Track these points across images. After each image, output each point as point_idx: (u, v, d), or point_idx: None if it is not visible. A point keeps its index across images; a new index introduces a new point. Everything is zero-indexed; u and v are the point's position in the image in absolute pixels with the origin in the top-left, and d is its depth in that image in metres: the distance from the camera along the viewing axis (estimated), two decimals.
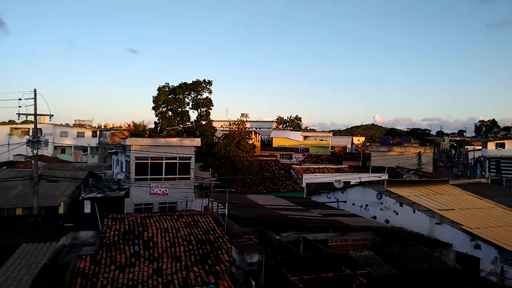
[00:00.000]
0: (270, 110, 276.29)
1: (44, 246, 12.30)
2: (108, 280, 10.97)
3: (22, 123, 72.87)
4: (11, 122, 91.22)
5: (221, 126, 56.60)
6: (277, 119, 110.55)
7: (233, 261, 11.27)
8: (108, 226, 15.39)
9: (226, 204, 17.41)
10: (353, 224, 16.43)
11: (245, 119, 38.66)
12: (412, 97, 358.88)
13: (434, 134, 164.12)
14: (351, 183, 28.41)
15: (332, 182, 29.96)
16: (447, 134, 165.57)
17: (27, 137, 31.48)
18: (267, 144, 79.08)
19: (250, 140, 38.52)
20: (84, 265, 11.67)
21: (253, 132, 53.66)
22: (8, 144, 48.35)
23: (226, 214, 17.29)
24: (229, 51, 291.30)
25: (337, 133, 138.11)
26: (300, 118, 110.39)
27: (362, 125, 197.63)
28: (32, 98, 24.23)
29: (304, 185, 34.63)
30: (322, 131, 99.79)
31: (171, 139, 31.28)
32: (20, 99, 24.01)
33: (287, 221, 16.37)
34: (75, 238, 14.78)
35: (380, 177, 32.21)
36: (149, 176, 28.80)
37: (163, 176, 29.16)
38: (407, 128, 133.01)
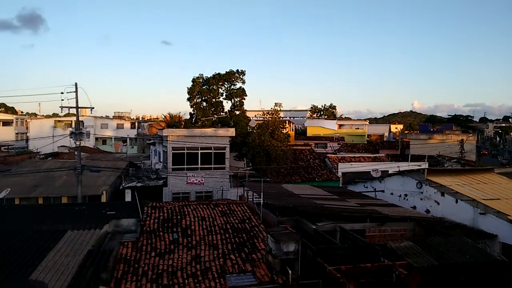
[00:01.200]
0: (303, 99, 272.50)
1: (88, 233, 12.87)
2: (149, 266, 11.32)
3: (65, 116, 76.38)
4: (55, 115, 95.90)
5: (255, 116, 56.51)
6: (311, 108, 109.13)
7: (269, 250, 11.31)
8: (148, 214, 15.86)
9: (261, 194, 17.47)
10: (392, 214, 16.03)
11: (278, 109, 38.43)
12: (453, 82, 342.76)
13: (477, 120, 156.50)
14: (389, 172, 27.71)
15: (369, 171, 29.32)
16: (491, 121, 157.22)
17: (70, 129, 32.88)
18: (301, 133, 78.47)
19: (284, 130, 38.34)
20: (126, 252, 12.11)
21: (287, 122, 53.37)
22: (53, 136, 50.78)
23: (262, 203, 17.36)
24: (261, 41, 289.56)
25: (373, 121, 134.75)
26: (335, 106, 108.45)
27: (400, 112, 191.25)
28: (73, 92, 25.21)
29: (339, 174, 34.17)
30: (357, 119, 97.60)
31: (206, 129, 31.72)
32: (62, 93, 25.06)
33: (323, 210, 16.22)
34: (117, 226, 15.35)
35: (419, 166, 31.17)
36: (185, 166, 29.42)
37: (199, 165, 29.70)
38: (448, 115, 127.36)
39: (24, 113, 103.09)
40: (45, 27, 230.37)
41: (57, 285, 9.04)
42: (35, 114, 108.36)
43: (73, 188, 25.09)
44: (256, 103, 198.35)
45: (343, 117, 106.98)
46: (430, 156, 40.31)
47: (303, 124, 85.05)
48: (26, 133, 76.10)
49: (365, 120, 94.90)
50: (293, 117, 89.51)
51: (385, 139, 79.04)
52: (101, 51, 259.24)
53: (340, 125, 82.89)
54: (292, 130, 61.87)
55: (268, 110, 38.04)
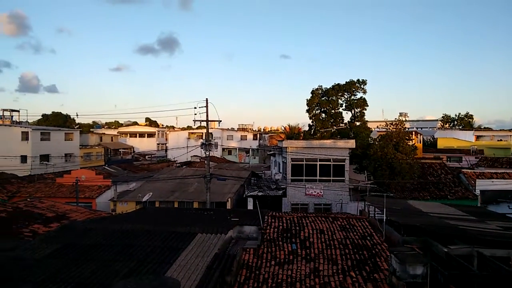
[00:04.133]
0: (433, 108, 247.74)
1: (215, 237, 13.85)
2: (269, 274, 11.65)
3: (197, 128, 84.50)
4: (189, 127, 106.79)
5: (377, 127, 54.08)
6: (443, 117, 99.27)
7: (393, 271, 10.57)
8: (268, 223, 16.38)
9: (384, 209, 16.52)
10: None
11: (404, 119, 36.16)
12: None
13: None
14: None
15: None
16: None
17: (201, 140, 36.22)
18: (430, 145, 72.17)
19: (410, 141, 35.75)
20: (248, 258, 12.69)
21: (413, 133, 49.70)
22: (187, 146, 56.53)
23: (384, 219, 16.40)
24: (383, 48, 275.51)
25: None
26: (472, 115, 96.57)
27: None
28: (204, 107, 27.75)
29: (478, 192, 30.24)
30: (500, 130, 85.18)
31: (325, 141, 31.49)
32: (195, 108, 27.81)
33: (456, 232, 14.54)
34: (240, 232, 16.20)
35: None
36: (304, 177, 29.62)
37: (318, 177, 29.59)
38: None
39: (164, 126, 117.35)
40: (179, 49, 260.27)
41: (188, 284, 9.92)
42: (173, 127, 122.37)
43: (202, 194, 27.43)
44: (379, 113, 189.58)
45: (482, 127, 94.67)
46: None
47: (433, 136, 77.98)
48: (165, 143, 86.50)
49: (510, 130, 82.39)
50: (421, 128, 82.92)
51: None
52: (226, 68, 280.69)
53: (478, 137, 73.44)
54: (420, 142, 57.25)
55: (391, 121, 36.05)
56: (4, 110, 62.14)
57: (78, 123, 78.68)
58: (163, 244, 12.87)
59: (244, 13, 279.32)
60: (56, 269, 10.67)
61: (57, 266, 10.90)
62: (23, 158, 45.66)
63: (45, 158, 47.74)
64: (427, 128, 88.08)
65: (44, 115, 72.18)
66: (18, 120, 60.45)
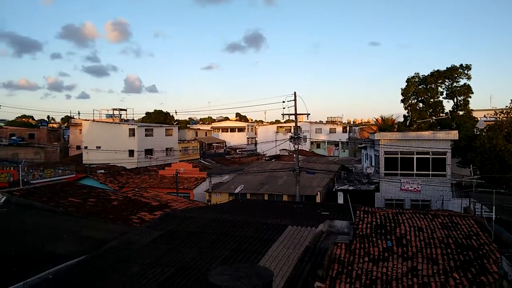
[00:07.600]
0: None
1: (306, 230, 13.86)
2: (362, 270, 11.29)
3: (285, 122, 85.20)
4: (277, 121, 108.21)
5: (484, 116, 48.69)
6: None
7: (504, 274, 9.46)
8: (360, 218, 15.87)
9: (493, 207, 14.91)
10: None
11: None
12: None
13: None
14: None
15: None
16: None
17: (290, 134, 36.39)
18: None
19: None
20: (340, 253, 12.44)
21: None
22: (275, 140, 57.31)
23: (493, 218, 14.80)
24: (491, 28, 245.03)
25: None
26: None
27: None
28: (292, 100, 27.83)
29: None
30: None
31: (422, 132, 29.44)
32: (284, 102, 28.02)
33: None
34: (331, 226, 15.98)
35: None
36: (399, 171, 28.06)
37: (414, 171, 27.80)
38: None
39: (253, 121, 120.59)
40: (265, 45, 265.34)
41: (280, 274, 10.10)
42: (262, 121, 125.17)
43: (291, 187, 27.63)
44: (486, 101, 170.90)
45: None
46: None
47: None
48: (255, 137, 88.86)
49: None
50: None
51: None
52: (312, 60, 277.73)
53: None
54: None
55: (502, 109, 32.18)
56: (114, 109, 69.66)
57: (177, 120, 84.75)
58: (255, 234, 13.28)
59: (329, 1, 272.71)
60: (160, 253, 11.69)
61: (161, 250, 11.93)
62: (131, 152, 50.69)
63: (149, 152, 52.41)
64: None
65: (147, 113, 79.03)
66: (125, 118, 67.31)
